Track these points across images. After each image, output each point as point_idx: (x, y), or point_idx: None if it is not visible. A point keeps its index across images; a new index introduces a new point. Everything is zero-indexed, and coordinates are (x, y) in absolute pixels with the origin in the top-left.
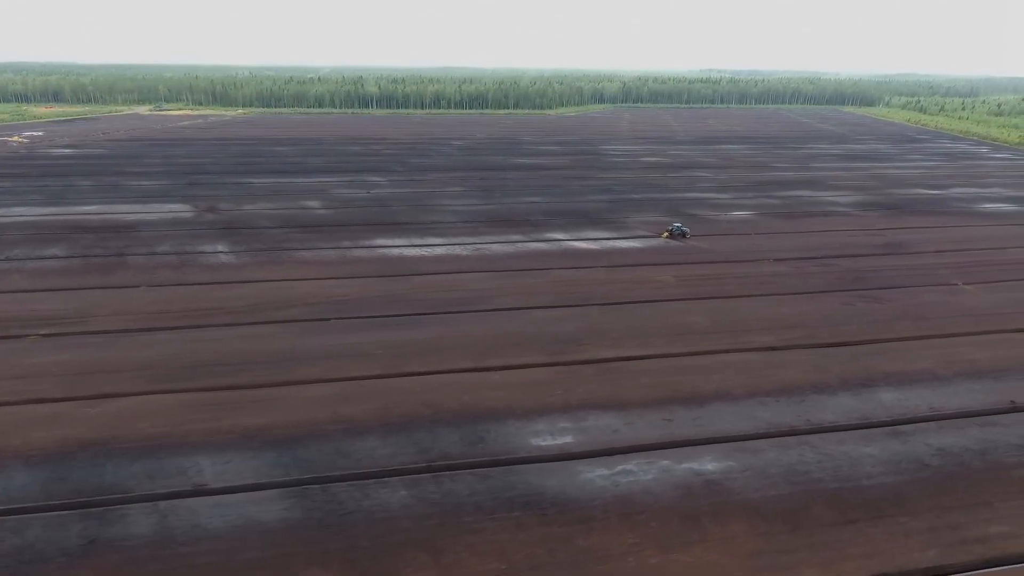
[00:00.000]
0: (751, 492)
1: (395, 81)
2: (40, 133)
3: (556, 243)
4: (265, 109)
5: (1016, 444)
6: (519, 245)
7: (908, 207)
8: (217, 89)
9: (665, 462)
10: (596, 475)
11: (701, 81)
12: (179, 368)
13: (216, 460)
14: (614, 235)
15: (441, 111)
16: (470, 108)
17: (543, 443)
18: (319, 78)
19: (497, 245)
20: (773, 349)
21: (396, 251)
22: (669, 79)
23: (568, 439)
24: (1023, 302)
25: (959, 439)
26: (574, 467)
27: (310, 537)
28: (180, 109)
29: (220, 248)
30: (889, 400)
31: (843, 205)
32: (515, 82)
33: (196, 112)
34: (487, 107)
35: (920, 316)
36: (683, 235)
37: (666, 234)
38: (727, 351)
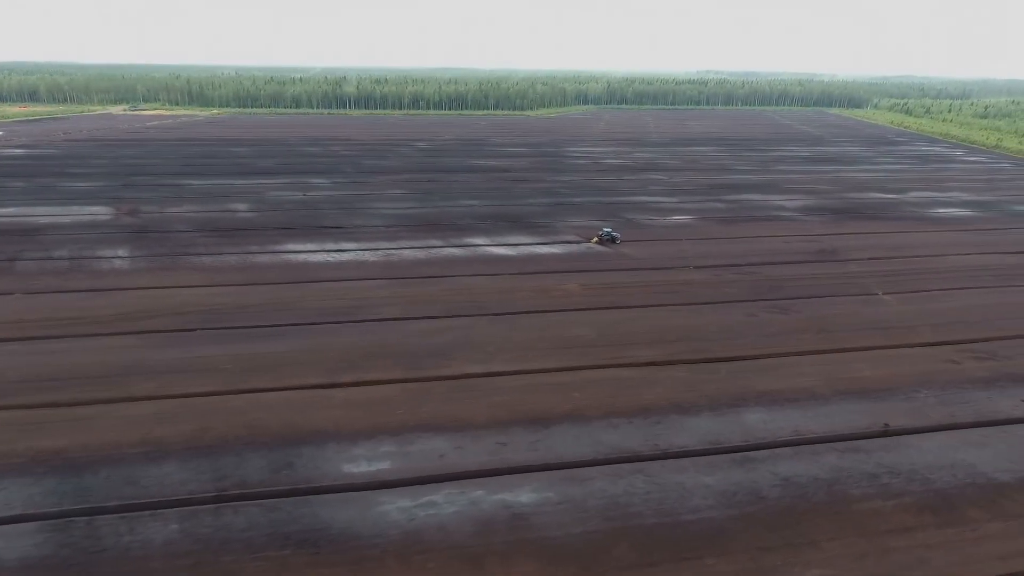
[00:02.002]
0: (556, 528)
1: (377, 82)
2: (0, 133)
3: (473, 249)
4: (240, 109)
5: (871, 473)
6: (433, 251)
7: (856, 212)
8: (194, 89)
9: (478, 492)
10: (395, 507)
11: (688, 82)
12: (3, 384)
13: None
14: (538, 240)
15: (419, 112)
16: (449, 109)
17: (355, 470)
18: (301, 79)
19: (410, 251)
20: (652, 364)
21: (301, 257)
22: (656, 80)
23: (384, 465)
24: (937, 314)
25: (811, 467)
26: (376, 498)
27: None
28: (155, 109)
29: (120, 253)
30: (752, 422)
31: (790, 210)
32: (496, 83)
33: (169, 112)
34: (466, 108)
35: (822, 328)
36: (613, 240)
37: (596, 239)
38: (603, 366)
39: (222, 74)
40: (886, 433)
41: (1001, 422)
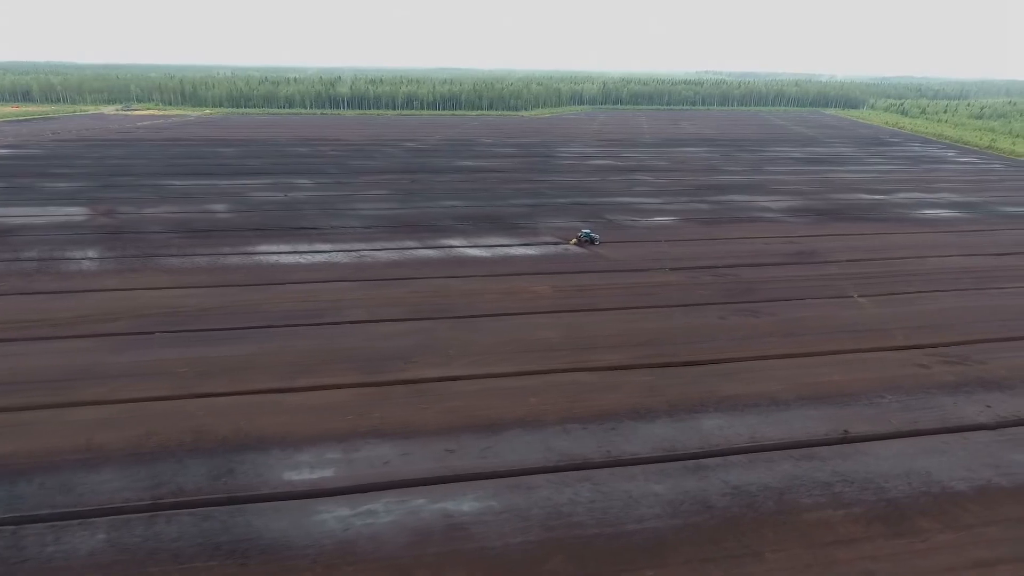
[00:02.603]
0: (494, 539)
1: (372, 82)
2: None
3: (447, 250)
4: (233, 109)
5: (824, 482)
6: (407, 252)
7: (841, 213)
8: (187, 89)
9: (420, 501)
10: (332, 516)
11: (684, 83)
12: None
13: None
14: (516, 241)
15: (413, 112)
16: (443, 109)
17: (296, 477)
18: (295, 79)
19: (384, 252)
20: (615, 368)
21: (273, 258)
22: (651, 80)
23: (328, 473)
24: (912, 317)
25: (763, 475)
26: (314, 506)
27: None
28: (148, 109)
29: (89, 254)
30: (710, 429)
31: (774, 211)
32: (490, 84)
33: (162, 112)
34: (461, 108)
35: (792, 332)
36: (591, 242)
37: (574, 241)
38: (564, 370)
39: (218, 74)
40: (845, 440)
41: (964, 428)
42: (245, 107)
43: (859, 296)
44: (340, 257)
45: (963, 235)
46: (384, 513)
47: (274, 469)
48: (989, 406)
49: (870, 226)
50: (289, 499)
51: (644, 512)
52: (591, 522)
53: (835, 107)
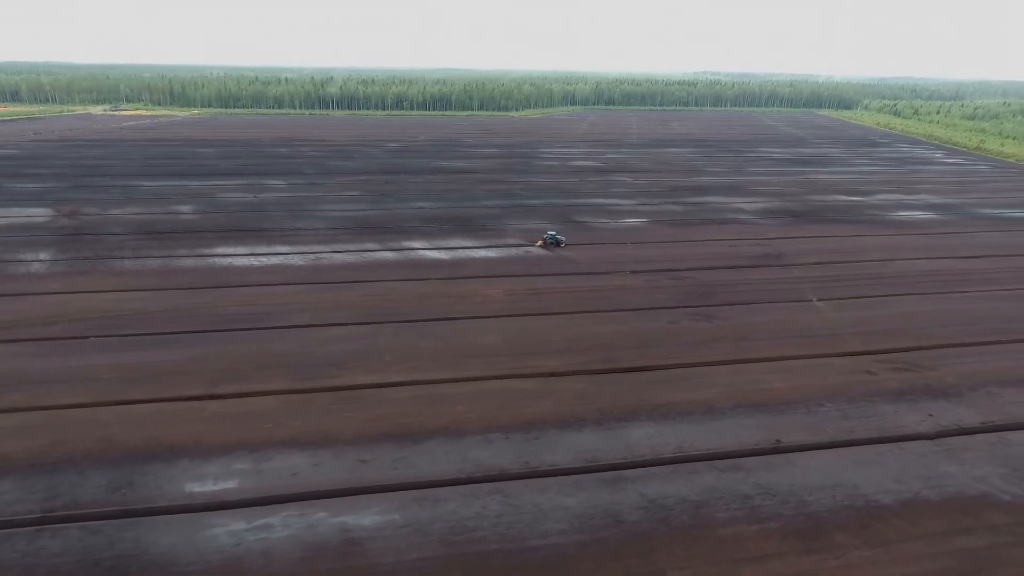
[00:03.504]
0: (390, 555)
1: (363, 82)
2: None
3: (407, 252)
4: (221, 109)
5: (745, 494)
6: (365, 255)
7: (815, 215)
8: (176, 89)
9: (321, 514)
10: (226, 531)
11: (678, 83)
12: None
13: None
14: (478, 244)
15: (402, 112)
16: (434, 110)
17: (197, 489)
18: (286, 79)
19: (341, 255)
20: (552, 375)
21: (227, 260)
22: (644, 81)
23: (231, 484)
24: (867, 322)
25: (682, 488)
26: (208, 520)
27: None
28: (136, 109)
29: (41, 257)
30: (637, 439)
31: (747, 212)
32: (481, 84)
33: (149, 112)
34: (451, 109)
35: (744, 337)
36: (557, 244)
37: (539, 243)
38: (500, 377)
39: (211, 74)
40: (777, 450)
41: (901, 438)
42: (234, 107)
43: (817, 300)
44: (296, 260)
45: (936, 237)
46: (281, 527)
47: (176, 481)
48: (931, 415)
49: (843, 228)
50: (186, 512)
51: (550, 527)
52: (493, 537)
53: (829, 108)
